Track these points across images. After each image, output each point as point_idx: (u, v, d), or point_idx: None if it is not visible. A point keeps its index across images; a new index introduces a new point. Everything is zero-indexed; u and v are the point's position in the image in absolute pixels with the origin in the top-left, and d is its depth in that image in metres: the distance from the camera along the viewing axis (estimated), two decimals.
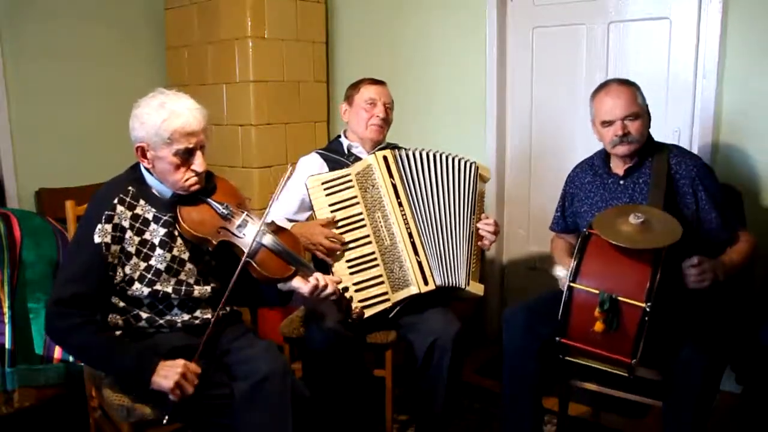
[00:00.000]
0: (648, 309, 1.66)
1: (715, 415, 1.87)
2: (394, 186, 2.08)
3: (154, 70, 3.71)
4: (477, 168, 2.19)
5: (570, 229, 2.26)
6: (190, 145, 1.67)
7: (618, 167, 2.06)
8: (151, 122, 1.63)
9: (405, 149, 2.17)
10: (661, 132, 2.11)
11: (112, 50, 3.56)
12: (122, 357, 1.61)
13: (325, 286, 1.75)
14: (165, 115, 1.63)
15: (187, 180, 1.70)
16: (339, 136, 2.37)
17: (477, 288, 2.11)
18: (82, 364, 2.04)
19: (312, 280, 1.74)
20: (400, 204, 2.06)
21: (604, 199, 2.08)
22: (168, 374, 1.56)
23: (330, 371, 2.01)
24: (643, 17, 2.73)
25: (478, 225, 2.14)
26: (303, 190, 2.13)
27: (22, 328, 2.25)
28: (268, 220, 1.83)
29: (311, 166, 2.27)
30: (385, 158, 2.10)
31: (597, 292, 1.71)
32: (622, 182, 2.04)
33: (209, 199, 1.76)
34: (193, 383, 1.57)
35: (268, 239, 1.73)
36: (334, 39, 3.67)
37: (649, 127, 2.01)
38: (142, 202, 1.71)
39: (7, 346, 2.22)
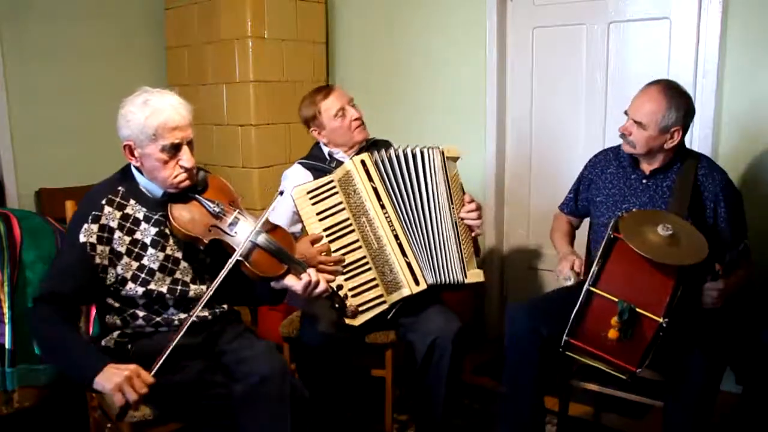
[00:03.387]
0: (665, 325, 1.65)
1: (715, 415, 1.86)
2: (375, 189, 2.04)
3: (154, 70, 3.71)
4: (442, 152, 2.11)
5: (579, 213, 2.24)
6: (176, 141, 1.67)
7: (645, 165, 2.03)
8: (136, 120, 1.64)
9: (385, 149, 2.12)
10: None
11: (112, 50, 3.55)
12: (73, 352, 1.58)
13: (317, 283, 1.73)
14: (148, 111, 1.64)
15: (176, 176, 1.69)
16: (318, 143, 2.34)
17: (476, 275, 2.06)
18: None
19: (304, 277, 1.73)
20: (383, 207, 2.04)
21: (623, 194, 2.05)
22: (111, 377, 1.50)
23: (321, 369, 2.01)
24: (643, 17, 2.72)
25: (462, 214, 2.09)
26: (291, 202, 2.10)
27: (22, 328, 2.24)
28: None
29: (297, 177, 2.24)
30: (363, 162, 2.06)
31: (616, 300, 1.69)
32: (644, 181, 2.02)
33: (200, 197, 1.75)
34: (141, 391, 1.50)
35: (260, 238, 1.72)
36: (334, 39, 3.67)
37: (665, 143, 1.93)
38: (132, 201, 1.72)
39: (7, 346, 2.21)
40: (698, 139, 2.57)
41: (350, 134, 2.25)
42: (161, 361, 1.56)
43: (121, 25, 3.58)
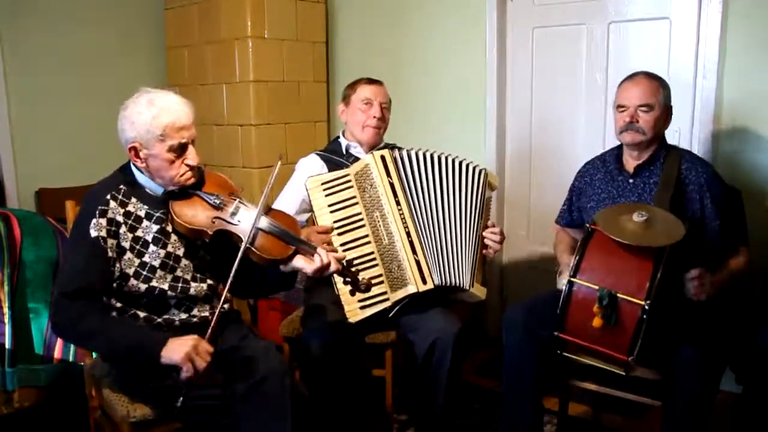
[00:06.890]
0: (647, 307, 1.66)
1: (715, 415, 1.86)
2: (392, 185, 2.07)
3: (154, 70, 3.71)
4: (486, 175, 2.18)
5: (575, 223, 2.25)
6: (183, 140, 1.68)
7: (629, 163, 2.05)
8: (142, 120, 1.64)
9: (404, 149, 2.16)
10: None
11: (112, 50, 3.56)
12: (131, 334, 1.62)
13: (329, 264, 1.73)
14: (155, 111, 1.64)
15: (183, 174, 1.71)
16: (338, 137, 2.37)
17: (480, 291, 2.10)
18: (82, 364, 2.04)
19: (316, 259, 1.73)
20: (398, 203, 2.06)
21: (612, 196, 2.07)
22: (178, 348, 1.56)
23: (327, 374, 2.01)
24: (643, 17, 2.72)
25: (484, 233, 2.13)
26: (303, 191, 2.13)
27: (22, 328, 2.25)
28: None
29: (311, 167, 2.28)
30: (382, 158, 2.09)
31: (597, 287, 1.71)
32: (631, 181, 2.04)
33: (199, 192, 1.76)
34: (206, 360, 1.56)
35: (263, 222, 1.74)
36: (334, 39, 3.67)
37: (664, 126, 2.00)
38: (134, 199, 1.72)
39: (7, 346, 2.22)
40: (698, 139, 2.57)
41: (360, 128, 2.27)
42: (210, 334, 1.62)
43: (121, 25, 3.59)
